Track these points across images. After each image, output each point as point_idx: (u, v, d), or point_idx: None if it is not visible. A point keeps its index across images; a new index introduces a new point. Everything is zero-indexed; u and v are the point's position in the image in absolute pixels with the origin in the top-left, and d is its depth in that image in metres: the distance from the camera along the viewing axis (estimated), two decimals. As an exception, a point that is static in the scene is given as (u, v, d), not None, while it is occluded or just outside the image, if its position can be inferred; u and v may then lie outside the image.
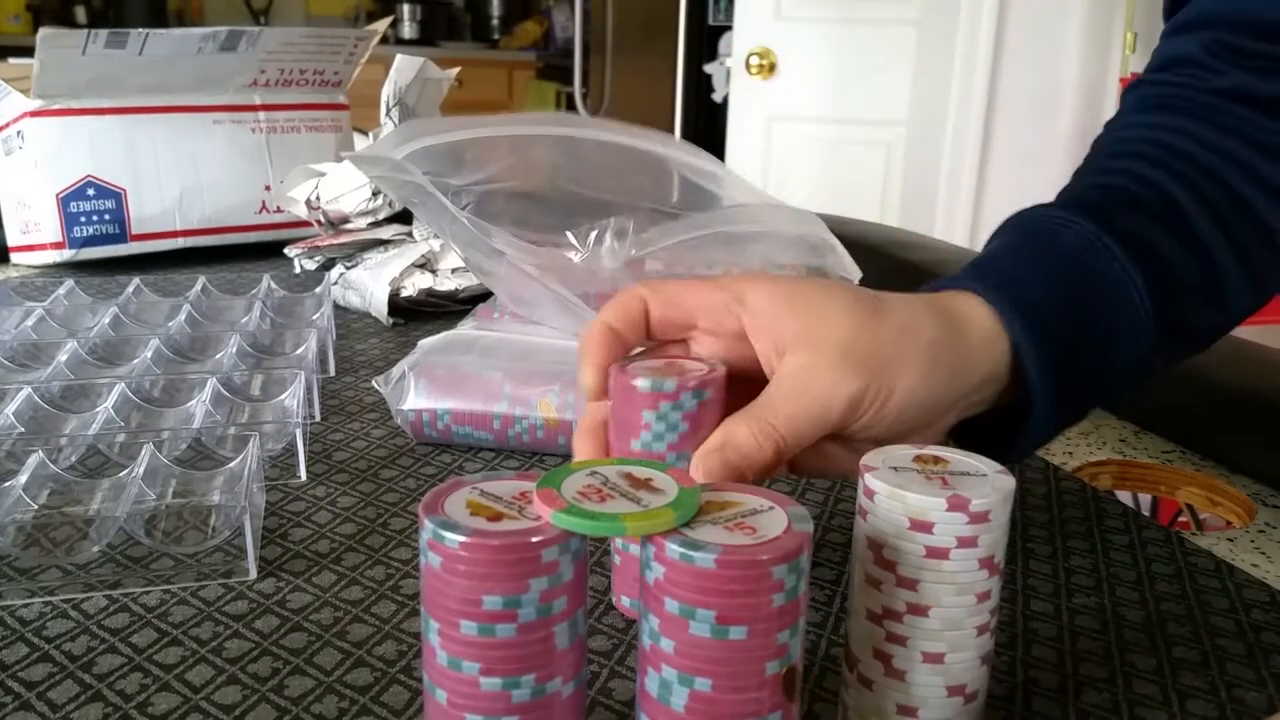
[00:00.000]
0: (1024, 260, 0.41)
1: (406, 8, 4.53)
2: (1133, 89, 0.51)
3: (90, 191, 0.92)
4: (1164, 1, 0.52)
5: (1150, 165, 0.44)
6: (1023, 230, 0.43)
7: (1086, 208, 0.42)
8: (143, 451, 0.46)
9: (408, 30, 4.55)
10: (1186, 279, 0.42)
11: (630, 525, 0.26)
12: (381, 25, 1.07)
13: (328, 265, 0.86)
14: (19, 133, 0.91)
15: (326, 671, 0.36)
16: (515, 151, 0.59)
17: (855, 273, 0.55)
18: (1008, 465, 0.33)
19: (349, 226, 0.85)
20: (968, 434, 0.42)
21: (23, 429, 0.51)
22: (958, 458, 0.32)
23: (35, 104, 0.90)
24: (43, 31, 0.87)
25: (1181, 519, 0.61)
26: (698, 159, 0.57)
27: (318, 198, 0.85)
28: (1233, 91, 0.46)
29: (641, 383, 0.36)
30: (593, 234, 0.57)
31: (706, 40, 2.90)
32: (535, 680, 0.26)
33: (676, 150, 0.57)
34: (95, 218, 0.92)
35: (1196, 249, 0.42)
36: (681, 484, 0.29)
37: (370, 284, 0.79)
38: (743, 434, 0.35)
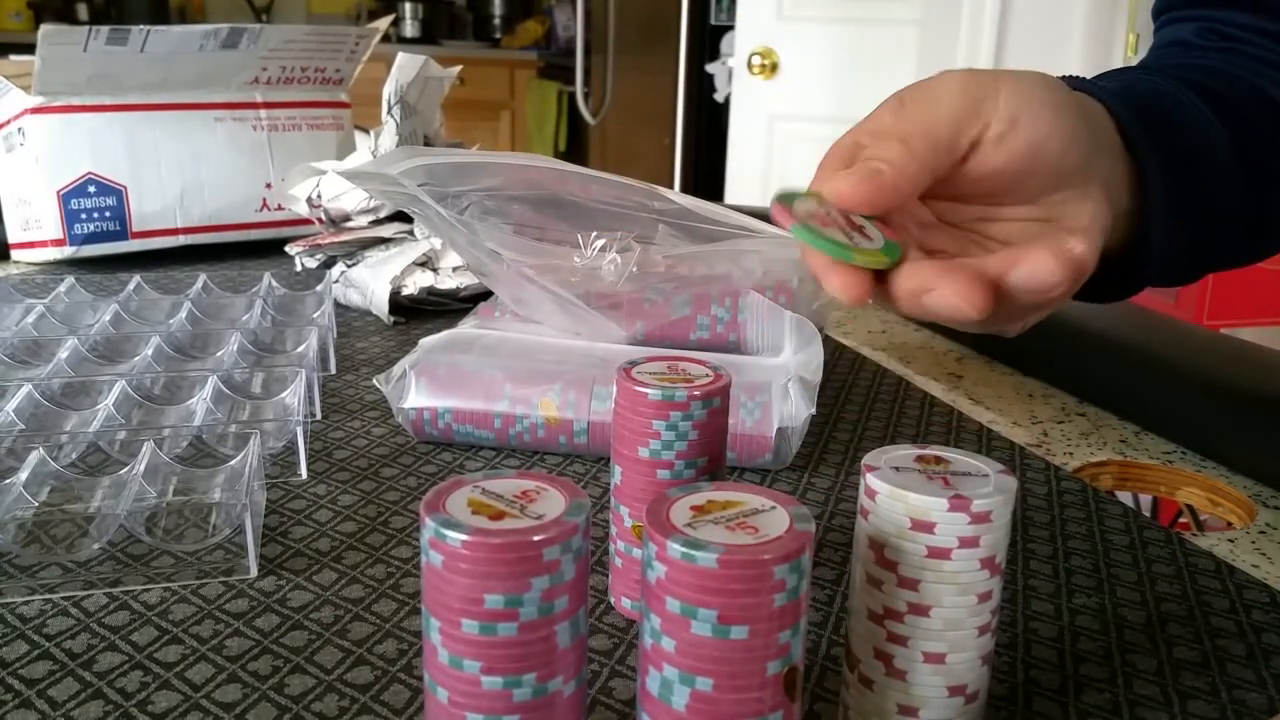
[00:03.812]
0: (1107, 81, 0.43)
1: (408, 6, 4.53)
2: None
3: (91, 189, 0.92)
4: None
5: (1194, 75, 0.46)
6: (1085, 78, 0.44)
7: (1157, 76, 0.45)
8: (143, 449, 0.46)
9: (409, 29, 4.55)
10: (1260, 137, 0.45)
11: (858, 257, 0.32)
12: (383, 23, 1.07)
13: (329, 263, 0.86)
14: (20, 129, 0.91)
15: (327, 670, 0.36)
16: (515, 171, 0.59)
17: None
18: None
19: (350, 224, 0.84)
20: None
21: (23, 426, 0.51)
22: (960, 458, 0.32)
23: (36, 101, 0.90)
24: (44, 28, 0.87)
25: (1182, 520, 0.61)
26: (696, 202, 0.57)
27: (319, 195, 0.85)
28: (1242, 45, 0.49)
29: (652, 392, 0.36)
30: (599, 242, 0.57)
31: (708, 40, 2.90)
32: (536, 679, 0.26)
33: (675, 195, 0.57)
34: (96, 215, 0.92)
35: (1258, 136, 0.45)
36: (887, 237, 0.34)
37: (371, 282, 0.79)
38: (891, 151, 0.35)
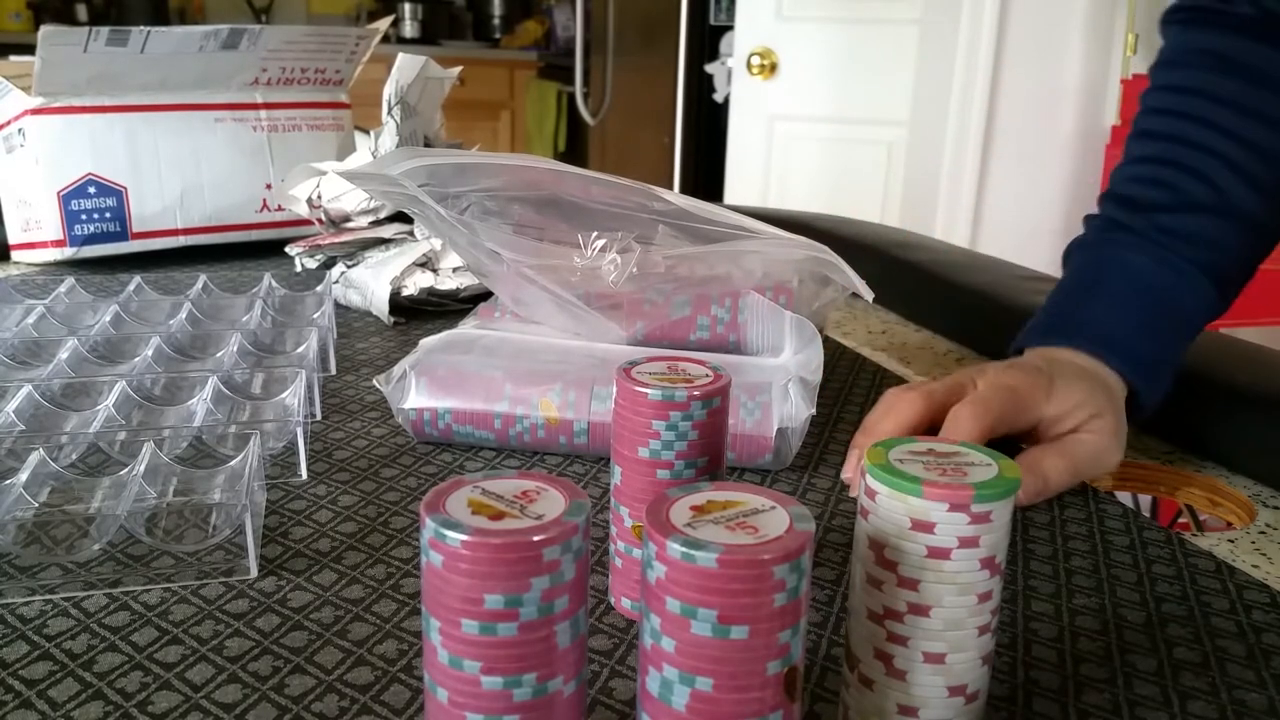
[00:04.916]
0: (1116, 311, 0.55)
1: (408, 6, 4.53)
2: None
3: (91, 189, 0.92)
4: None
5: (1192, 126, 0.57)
6: (1101, 273, 0.57)
7: (1140, 212, 0.57)
8: (143, 449, 0.46)
9: (409, 29, 4.55)
10: (1234, 250, 0.56)
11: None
12: (383, 24, 1.07)
13: (329, 264, 0.86)
14: (20, 130, 0.91)
15: (327, 670, 0.36)
16: (515, 171, 0.59)
17: (866, 293, 0.54)
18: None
19: (350, 225, 0.85)
20: None
21: (24, 427, 0.51)
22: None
23: (36, 102, 0.90)
24: (44, 29, 0.87)
25: (1181, 520, 0.61)
26: (695, 203, 0.57)
27: (319, 196, 0.85)
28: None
29: (652, 392, 0.36)
30: (599, 243, 0.57)
31: (708, 40, 2.90)
32: (536, 679, 0.26)
33: (673, 196, 0.58)
34: (96, 216, 0.92)
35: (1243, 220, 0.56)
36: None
37: (371, 283, 0.79)
38: (1055, 476, 0.49)
